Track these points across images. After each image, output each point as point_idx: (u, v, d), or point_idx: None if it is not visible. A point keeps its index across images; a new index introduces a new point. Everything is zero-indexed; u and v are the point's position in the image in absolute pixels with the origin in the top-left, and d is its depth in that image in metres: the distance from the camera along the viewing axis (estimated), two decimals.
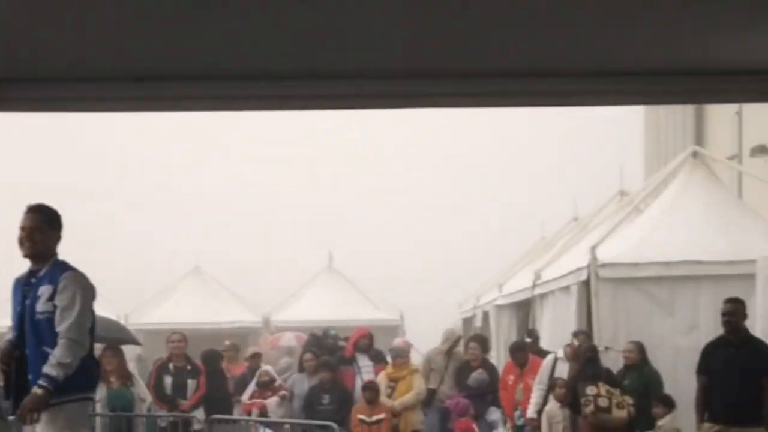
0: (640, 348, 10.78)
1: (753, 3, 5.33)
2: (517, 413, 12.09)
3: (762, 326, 9.70)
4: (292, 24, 4.64)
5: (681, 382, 10.34)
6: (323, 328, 15.45)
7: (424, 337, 16.10)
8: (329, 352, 13.96)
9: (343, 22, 4.67)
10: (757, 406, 8.83)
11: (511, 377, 12.33)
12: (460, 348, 13.65)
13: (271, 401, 13.04)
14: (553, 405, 11.06)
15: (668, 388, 10.53)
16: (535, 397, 11.54)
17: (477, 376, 12.66)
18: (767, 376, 8.91)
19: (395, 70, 5.65)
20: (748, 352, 9.04)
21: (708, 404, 9.23)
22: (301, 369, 13.32)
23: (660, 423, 10.18)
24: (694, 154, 13.30)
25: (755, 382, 8.88)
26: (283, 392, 13.11)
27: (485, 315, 17.97)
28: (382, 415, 12.21)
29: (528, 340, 12.84)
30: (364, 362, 13.38)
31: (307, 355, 13.41)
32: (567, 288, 12.57)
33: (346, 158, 31.65)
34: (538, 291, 14.14)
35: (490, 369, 13.00)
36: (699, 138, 18.94)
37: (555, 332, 12.85)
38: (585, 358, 10.68)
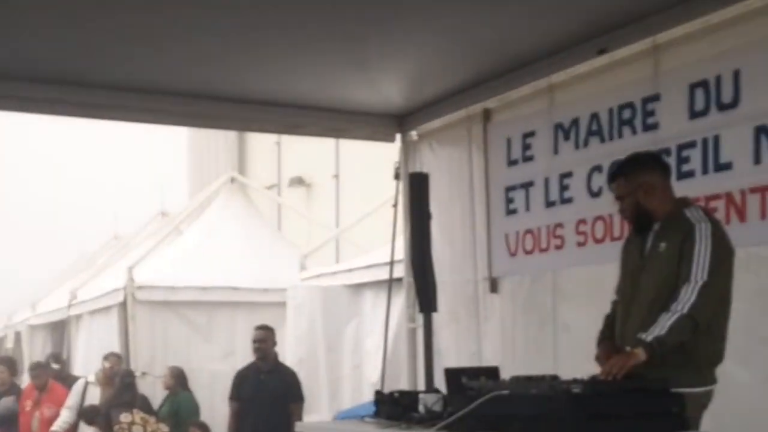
0: (177, 373, 10.61)
1: (283, 42, 5.44)
2: None
3: (292, 353, 9.99)
4: None
5: (217, 407, 10.36)
6: None
7: None
8: None
9: None
10: None
11: (29, 403, 11.59)
12: None
13: None
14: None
15: (205, 414, 10.48)
16: (64, 417, 11.05)
17: (5, 403, 11.85)
18: (294, 403, 9.18)
19: None
20: (277, 378, 9.27)
21: (239, 430, 9.30)
22: None
23: None
24: (232, 180, 13.56)
25: (283, 408, 9.07)
26: None
27: (18, 335, 17.17)
28: None
29: (55, 366, 12.21)
30: None
31: None
32: (106, 309, 12.24)
33: None
34: (74, 311, 13.65)
35: (21, 394, 12.21)
36: (242, 165, 19.42)
37: (92, 355, 12.42)
38: (122, 384, 10.40)
